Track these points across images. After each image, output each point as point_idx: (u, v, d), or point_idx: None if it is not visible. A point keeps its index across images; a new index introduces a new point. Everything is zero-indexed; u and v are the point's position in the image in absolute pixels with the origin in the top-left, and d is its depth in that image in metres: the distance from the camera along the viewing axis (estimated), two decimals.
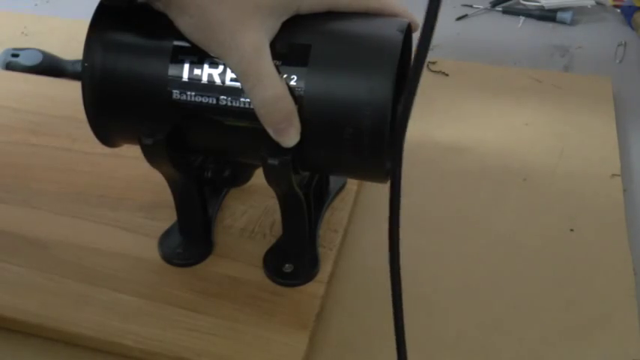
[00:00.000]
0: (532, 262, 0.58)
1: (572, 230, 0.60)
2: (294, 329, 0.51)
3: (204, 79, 0.46)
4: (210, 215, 0.58)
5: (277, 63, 0.45)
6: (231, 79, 0.46)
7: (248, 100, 0.46)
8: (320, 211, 0.59)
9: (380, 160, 0.46)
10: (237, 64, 0.45)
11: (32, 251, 0.57)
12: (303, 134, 0.45)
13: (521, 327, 0.53)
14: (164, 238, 0.57)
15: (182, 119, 0.48)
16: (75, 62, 0.77)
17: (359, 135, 0.45)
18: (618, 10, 0.90)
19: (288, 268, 0.54)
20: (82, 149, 0.67)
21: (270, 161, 0.46)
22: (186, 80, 0.47)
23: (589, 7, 0.90)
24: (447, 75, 0.78)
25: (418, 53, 0.32)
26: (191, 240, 0.57)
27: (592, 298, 0.55)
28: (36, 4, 0.95)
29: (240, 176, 0.58)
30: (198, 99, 0.47)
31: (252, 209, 0.60)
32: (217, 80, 0.46)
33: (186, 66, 0.47)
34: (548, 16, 0.89)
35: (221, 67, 0.46)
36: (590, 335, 0.52)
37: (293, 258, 0.55)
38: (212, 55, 0.46)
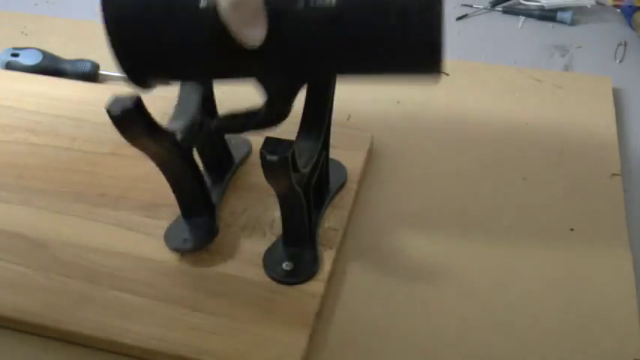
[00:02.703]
0: (532, 262, 0.58)
1: (572, 230, 0.60)
2: (294, 328, 0.51)
3: None
4: (213, 201, 0.58)
5: None
6: None
7: None
8: (320, 210, 0.59)
9: (433, 43, 0.42)
10: None
11: (32, 250, 0.57)
12: (341, 28, 0.42)
13: (521, 327, 0.53)
14: (169, 233, 0.57)
15: None
16: (75, 62, 0.77)
17: (406, 16, 0.41)
18: (618, 10, 0.90)
19: (287, 266, 0.55)
20: (81, 149, 0.67)
21: (269, 159, 0.46)
22: None
23: (589, 7, 0.90)
24: (447, 75, 0.78)
25: None
26: (195, 224, 0.57)
27: (592, 298, 0.55)
28: (36, 4, 0.95)
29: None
30: None
31: (252, 208, 0.60)
32: None
33: None
34: (548, 16, 0.89)
35: None
36: (590, 335, 0.52)
37: (293, 256, 0.55)
38: None
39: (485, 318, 0.54)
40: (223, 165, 0.62)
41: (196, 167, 0.56)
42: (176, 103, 0.55)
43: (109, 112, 0.46)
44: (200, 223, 0.57)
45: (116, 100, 0.46)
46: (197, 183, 0.56)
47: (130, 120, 0.46)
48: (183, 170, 0.54)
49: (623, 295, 0.55)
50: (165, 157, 0.53)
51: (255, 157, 0.60)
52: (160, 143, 0.51)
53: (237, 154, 0.64)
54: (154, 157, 0.53)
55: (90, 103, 0.72)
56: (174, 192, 0.56)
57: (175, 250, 0.56)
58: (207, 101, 0.56)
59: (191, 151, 0.55)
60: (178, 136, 0.52)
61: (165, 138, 0.51)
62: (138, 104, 0.46)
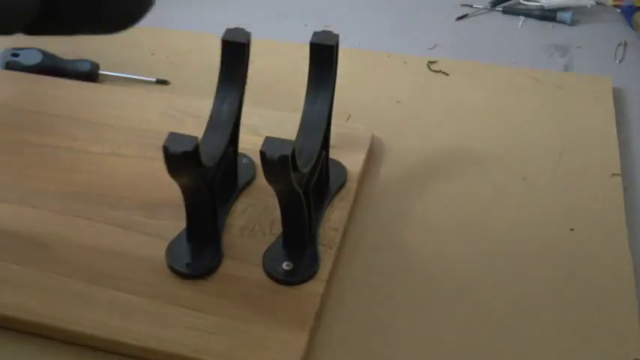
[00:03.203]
0: (532, 262, 0.58)
1: (572, 230, 0.60)
2: (294, 327, 0.51)
3: None
4: (219, 226, 0.58)
5: None
6: None
7: None
8: (320, 210, 0.59)
9: None
10: None
11: (32, 250, 0.57)
12: None
13: (521, 327, 0.53)
14: (171, 250, 0.56)
15: None
16: (75, 62, 0.78)
17: None
18: (618, 10, 0.90)
19: (287, 266, 0.54)
20: (82, 149, 0.67)
21: (270, 158, 0.46)
22: None
23: (589, 7, 0.90)
24: (447, 75, 0.78)
25: None
26: (200, 248, 0.56)
27: (592, 298, 0.55)
28: None
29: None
30: None
31: (252, 208, 0.60)
32: None
33: None
34: (548, 16, 0.89)
35: None
36: (590, 335, 0.52)
37: (293, 256, 0.55)
38: None
39: (485, 318, 0.54)
40: (229, 189, 0.61)
41: (214, 195, 0.55)
42: (207, 128, 0.55)
43: (167, 149, 0.46)
44: (204, 248, 0.56)
45: (175, 140, 0.46)
46: (212, 211, 0.56)
47: (187, 162, 0.47)
48: (205, 199, 0.54)
49: (623, 295, 0.55)
50: (197, 189, 0.53)
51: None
52: (200, 179, 0.51)
53: (241, 179, 0.62)
54: (187, 189, 0.53)
55: (90, 103, 0.72)
56: (188, 216, 0.56)
57: (176, 273, 0.55)
58: (235, 128, 0.57)
59: (214, 180, 0.55)
60: (211, 171, 0.52)
61: (204, 174, 0.51)
62: (197, 147, 0.47)
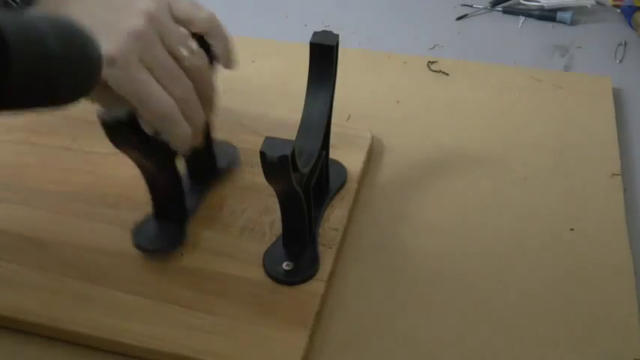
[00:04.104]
0: (532, 262, 0.58)
1: (572, 230, 0.60)
2: (294, 327, 0.51)
3: None
4: (189, 207, 0.58)
5: None
6: None
7: None
8: (320, 210, 0.59)
9: None
10: None
11: (31, 250, 0.57)
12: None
13: (521, 327, 0.53)
14: (137, 230, 0.57)
15: None
16: None
17: None
18: (618, 10, 0.90)
19: (287, 266, 0.55)
20: (81, 148, 0.67)
21: (270, 158, 0.46)
22: None
23: (589, 7, 0.90)
24: (447, 74, 0.78)
25: None
26: (166, 227, 0.57)
27: (592, 298, 0.55)
28: None
29: None
30: None
31: (252, 208, 0.60)
32: None
33: None
34: (548, 16, 0.89)
35: None
36: (590, 335, 0.52)
37: (293, 256, 0.55)
38: None
39: (485, 318, 0.54)
40: (206, 170, 0.61)
41: (177, 175, 0.55)
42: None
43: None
44: (171, 227, 0.57)
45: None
46: (175, 190, 0.56)
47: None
48: (164, 177, 0.54)
49: (623, 295, 0.55)
50: (150, 165, 0.53)
51: (251, 159, 0.60)
52: (148, 154, 0.51)
53: (222, 161, 0.62)
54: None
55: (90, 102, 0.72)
56: (151, 193, 0.56)
57: (139, 248, 0.56)
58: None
59: (174, 159, 0.55)
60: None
61: (154, 148, 0.51)
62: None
